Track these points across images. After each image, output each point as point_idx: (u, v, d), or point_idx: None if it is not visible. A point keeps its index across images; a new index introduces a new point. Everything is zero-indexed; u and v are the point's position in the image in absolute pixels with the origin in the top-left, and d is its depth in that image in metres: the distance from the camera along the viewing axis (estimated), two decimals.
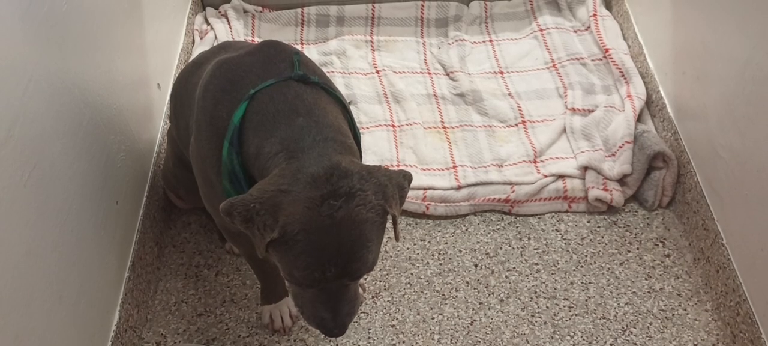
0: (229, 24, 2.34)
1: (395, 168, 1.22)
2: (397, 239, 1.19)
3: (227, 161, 1.20)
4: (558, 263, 1.77)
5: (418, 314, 1.67)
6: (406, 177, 1.18)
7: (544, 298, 1.70)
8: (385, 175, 1.14)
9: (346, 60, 2.28)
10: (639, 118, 1.99)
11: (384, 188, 1.12)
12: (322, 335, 1.62)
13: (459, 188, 1.89)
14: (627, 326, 1.64)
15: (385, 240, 1.81)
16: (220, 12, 2.40)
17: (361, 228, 1.09)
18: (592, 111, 2.06)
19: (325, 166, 1.09)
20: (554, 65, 2.24)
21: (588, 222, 1.87)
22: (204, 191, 1.37)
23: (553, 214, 1.89)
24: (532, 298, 1.70)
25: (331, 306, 1.16)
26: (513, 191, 1.87)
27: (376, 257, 1.15)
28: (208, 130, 1.26)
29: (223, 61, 1.29)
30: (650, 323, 1.64)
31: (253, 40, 2.28)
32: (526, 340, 1.62)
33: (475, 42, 2.35)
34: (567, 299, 1.69)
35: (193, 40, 2.32)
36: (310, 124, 1.17)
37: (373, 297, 1.70)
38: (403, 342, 1.62)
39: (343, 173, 1.09)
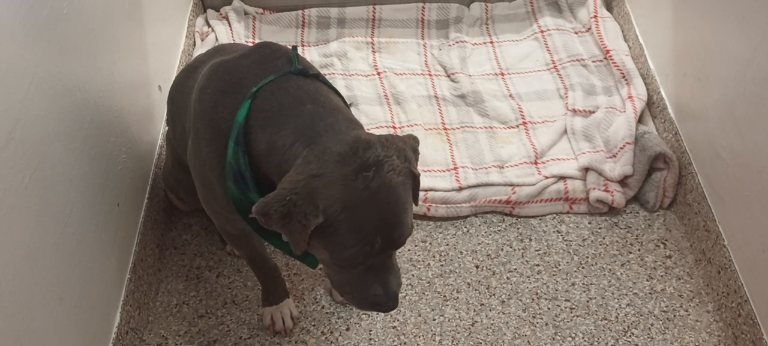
0: (229, 26, 2.34)
1: None
2: (416, 202, 1.20)
3: (233, 161, 1.20)
4: (559, 265, 1.77)
5: (420, 315, 1.67)
6: (416, 140, 1.21)
7: (546, 299, 1.70)
8: (400, 140, 1.17)
9: (346, 62, 2.28)
10: (640, 120, 1.99)
11: (404, 151, 1.15)
12: (323, 336, 1.62)
13: (460, 189, 1.89)
14: (628, 327, 1.64)
15: None
16: (220, 14, 2.40)
17: (396, 193, 1.11)
18: (593, 112, 2.06)
19: (348, 142, 1.10)
20: (555, 66, 2.24)
21: (589, 223, 1.86)
22: (203, 195, 1.37)
23: (555, 215, 1.89)
24: (533, 299, 1.70)
25: (381, 281, 1.17)
26: (514, 193, 1.87)
27: (412, 220, 1.17)
28: (208, 133, 1.25)
29: (218, 63, 1.29)
30: (652, 325, 1.64)
31: (252, 42, 2.28)
32: (528, 341, 1.62)
33: (475, 43, 2.35)
34: (568, 301, 1.69)
35: (194, 42, 2.32)
36: (318, 110, 1.18)
37: None
38: (405, 344, 1.62)
39: (366, 145, 1.10)
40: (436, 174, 1.94)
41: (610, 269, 1.76)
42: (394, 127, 2.07)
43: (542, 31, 2.35)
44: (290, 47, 1.31)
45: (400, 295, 1.70)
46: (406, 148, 1.17)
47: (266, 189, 1.18)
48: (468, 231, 1.85)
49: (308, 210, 1.07)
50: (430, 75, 2.24)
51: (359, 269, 1.16)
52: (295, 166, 1.11)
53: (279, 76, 1.22)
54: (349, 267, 1.16)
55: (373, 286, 1.18)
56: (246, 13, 2.41)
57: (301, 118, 1.16)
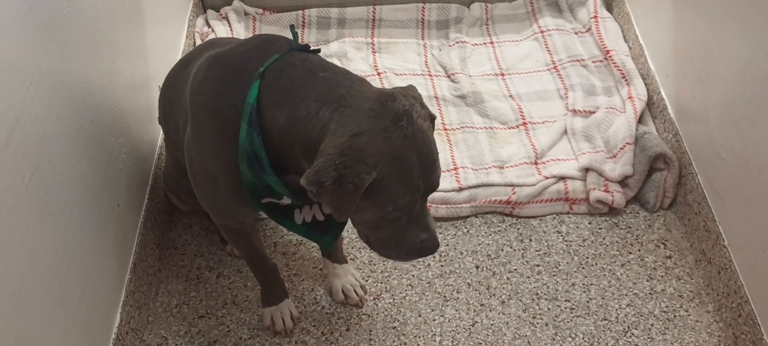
0: (229, 26, 2.34)
1: None
2: None
3: (247, 143, 1.20)
4: (559, 265, 1.77)
5: (420, 315, 1.67)
6: (416, 89, 1.26)
7: (546, 299, 1.70)
8: (409, 88, 1.23)
9: (346, 62, 2.28)
10: (640, 120, 1.99)
11: (419, 99, 1.21)
12: (323, 336, 1.62)
13: (460, 189, 1.89)
14: (628, 327, 1.64)
15: None
16: (221, 14, 2.41)
17: (428, 136, 1.18)
18: (593, 112, 2.06)
19: (375, 98, 1.14)
20: (555, 67, 2.24)
21: (589, 223, 1.86)
22: (204, 189, 1.36)
23: (555, 215, 1.88)
24: (533, 299, 1.70)
25: (424, 226, 1.23)
26: (514, 193, 1.87)
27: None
28: (213, 123, 1.25)
29: (215, 55, 1.29)
30: (652, 325, 1.64)
31: None
32: (528, 342, 1.62)
33: (475, 43, 2.35)
34: (568, 301, 1.69)
35: (194, 43, 2.32)
36: (333, 76, 1.19)
37: (374, 299, 1.70)
38: (405, 344, 1.62)
39: (391, 97, 1.14)
40: None
41: (610, 270, 1.76)
42: None
43: (542, 32, 2.35)
44: (288, 35, 1.32)
45: (401, 295, 1.70)
46: (417, 95, 1.23)
47: (280, 170, 1.19)
48: (468, 231, 1.85)
49: (360, 169, 1.10)
50: (430, 75, 2.24)
51: (404, 221, 1.20)
52: (331, 132, 1.12)
53: (283, 54, 1.23)
54: (395, 220, 1.19)
55: (417, 233, 1.22)
56: (246, 14, 2.41)
57: (320, 86, 1.17)
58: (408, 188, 1.15)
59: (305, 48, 1.26)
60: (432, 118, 1.22)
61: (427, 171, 1.16)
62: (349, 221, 1.41)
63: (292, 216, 1.33)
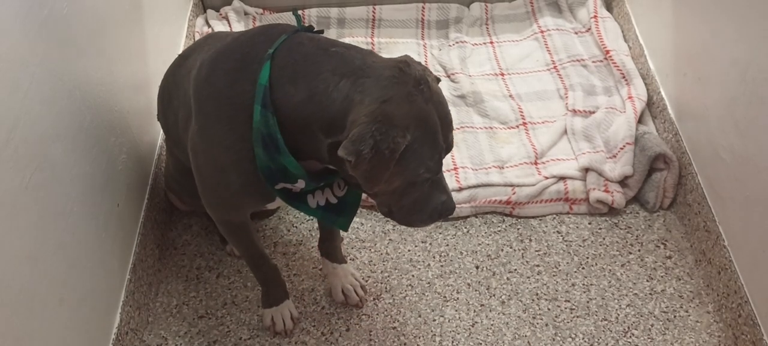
0: (229, 26, 2.34)
1: None
2: None
3: (261, 125, 1.19)
4: (559, 265, 1.77)
5: (420, 316, 1.67)
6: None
7: (546, 300, 1.70)
8: (406, 57, 1.22)
9: None
10: (640, 120, 1.99)
11: (422, 64, 1.21)
12: (323, 337, 1.62)
13: (460, 189, 1.89)
14: (628, 327, 1.64)
15: (386, 242, 1.81)
16: (220, 14, 2.41)
17: (444, 98, 1.20)
18: (593, 112, 2.06)
19: (392, 65, 1.15)
20: (555, 66, 2.24)
21: (589, 224, 1.86)
22: (210, 183, 1.35)
23: (555, 215, 1.88)
24: (533, 300, 1.70)
25: (442, 188, 1.26)
26: (514, 193, 1.87)
27: None
28: (223, 113, 1.24)
29: (218, 49, 1.28)
30: (652, 325, 1.64)
31: None
32: (528, 342, 1.62)
33: (475, 43, 2.35)
34: (568, 301, 1.69)
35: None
36: (344, 51, 1.20)
37: (374, 299, 1.70)
38: (405, 344, 1.62)
39: (406, 63, 1.15)
40: None
41: (610, 270, 1.76)
42: None
43: (542, 32, 2.35)
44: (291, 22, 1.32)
45: (401, 295, 1.70)
46: (418, 62, 1.23)
47: (294, 155, 1.20)
48: (468, 232, 1.85)
49: (395, 133, 1.11)
50: None
51: (428, 184, 1.22)
52: (357, 102, 1.13)
53: (290, 34, 1.23)
54: (422, 184, 1.20)
55: (438, 196, 1.25)
56: (246, 14, 2.41)
57: (334, 60, 1.18)
58: (435, 149, 1.17)
59: (309, 29, 1.27)
60: (438, 80, 1.25)
61: (446, 131, 1.19)
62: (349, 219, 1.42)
63: (306, 201, 1.34)
